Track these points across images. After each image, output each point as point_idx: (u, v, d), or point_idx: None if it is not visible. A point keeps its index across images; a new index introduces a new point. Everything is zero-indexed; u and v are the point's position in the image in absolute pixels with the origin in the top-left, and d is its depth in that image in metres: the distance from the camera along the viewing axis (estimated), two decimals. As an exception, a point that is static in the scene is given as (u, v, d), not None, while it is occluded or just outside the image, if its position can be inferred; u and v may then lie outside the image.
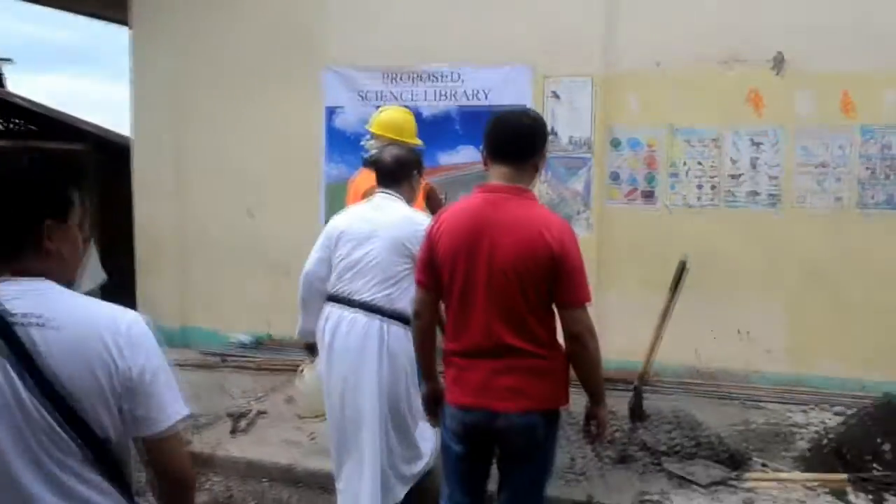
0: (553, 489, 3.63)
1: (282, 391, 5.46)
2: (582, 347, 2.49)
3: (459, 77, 6.03)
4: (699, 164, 5.69)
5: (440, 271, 2.58)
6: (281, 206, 6.48)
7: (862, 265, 5.42)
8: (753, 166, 5.60)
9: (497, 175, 2.55)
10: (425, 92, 6.10)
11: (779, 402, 5.30)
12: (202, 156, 6.70)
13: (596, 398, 2.65)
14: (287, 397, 5.29)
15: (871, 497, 3.81)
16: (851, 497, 3.83)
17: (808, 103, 5.47)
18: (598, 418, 2.66)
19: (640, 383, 4.66)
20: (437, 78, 6.07)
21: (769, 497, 3.84)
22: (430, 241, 2.61)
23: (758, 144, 5.58)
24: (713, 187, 5.68)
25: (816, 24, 5.38)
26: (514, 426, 2.51)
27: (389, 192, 3.50)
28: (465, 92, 6.03)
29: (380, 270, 3.33)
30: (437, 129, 5.99)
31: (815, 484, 3.94)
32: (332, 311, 3.44)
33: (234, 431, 4.74)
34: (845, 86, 5.38)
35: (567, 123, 5.82)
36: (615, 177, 5.82)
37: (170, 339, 6.64)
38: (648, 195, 5.80)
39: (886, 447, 4.01)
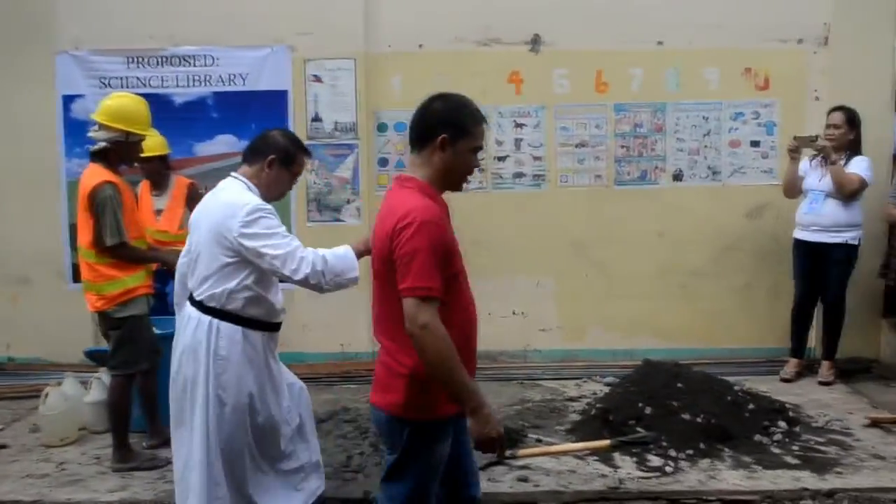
0: (329, 488, 3.52)
1: (26, 420, 4.89)
2: (418, 346, 2.22)
3: (214, 60, 5.59)
4: (466, 146, 5.66)
5: None
6: (15, 208, 5.73)
7: (620, 239, 5.68)
8: (518, 147, 5.68)
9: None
10: (176, 76, 5.60)
11: (555, 378, 5.43)
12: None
13: (461, 404, 2.28)
14: (32, 426, 4.73)
15: (635, 459, 3.95)
16: (618, 461, 3.95)
17: (565, 82, 5.63)
18: (471, 430, 2.30)
19: (415, 371, 4.55)
20: (188, 61, 5.59)
21: (542, 470, 3.87)
22: None
23: (521, 125, 5.67)
24: (482, 170, 5.67)
25: (569, 3, 5.55)
26: (377, 419, 2.53)
27: (236, 172, 3.14)
28: (220, 76, 5.60)
29: (204, 265, 2.99)
30: (191, 116, 5.56)
31: (585, 452, 4.04)
32: (186, 309, 3.12)
33: (-34, 472, 4.13)
34: (598, 64, 5.60)
35: (331, 108, 5.57)
36: (383, 162, 5.67)
37: None
38: (418, 180, 5.69)
39: (648, 410, 4.20)
